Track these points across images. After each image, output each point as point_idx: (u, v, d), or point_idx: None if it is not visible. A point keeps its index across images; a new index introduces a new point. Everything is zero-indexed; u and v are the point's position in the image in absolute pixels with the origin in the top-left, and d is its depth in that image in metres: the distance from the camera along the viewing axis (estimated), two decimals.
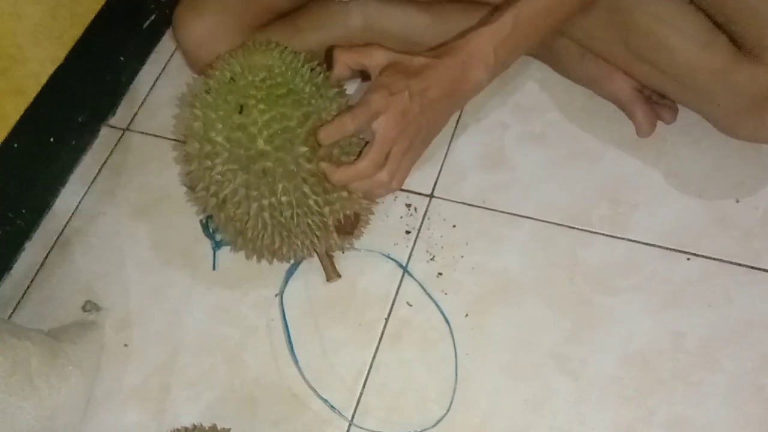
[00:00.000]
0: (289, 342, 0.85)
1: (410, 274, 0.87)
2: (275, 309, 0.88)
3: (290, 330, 0.86)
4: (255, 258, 0.87)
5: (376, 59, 0.79)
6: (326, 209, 0.80)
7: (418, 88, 0.77)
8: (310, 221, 0.80)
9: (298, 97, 0.77)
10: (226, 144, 0.77)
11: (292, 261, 0.89)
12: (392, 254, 0.89)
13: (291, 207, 0.78)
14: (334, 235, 0.82)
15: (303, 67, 0.79)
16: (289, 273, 0.89)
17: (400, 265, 0.88)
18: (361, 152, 0.79)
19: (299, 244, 0.82)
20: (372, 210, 0.87)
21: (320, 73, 0.80)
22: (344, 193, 0.80)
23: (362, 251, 0.90)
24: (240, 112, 0.76)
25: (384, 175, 0.78)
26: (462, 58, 0.79)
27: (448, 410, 0.80)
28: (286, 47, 0.80)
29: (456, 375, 0.81)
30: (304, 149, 0.77)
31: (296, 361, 0.84)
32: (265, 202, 0.78)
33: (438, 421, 0.79)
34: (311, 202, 0.78)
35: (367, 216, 0.86)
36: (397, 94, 0.76)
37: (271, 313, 0.88)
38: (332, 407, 0.81)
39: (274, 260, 0.87)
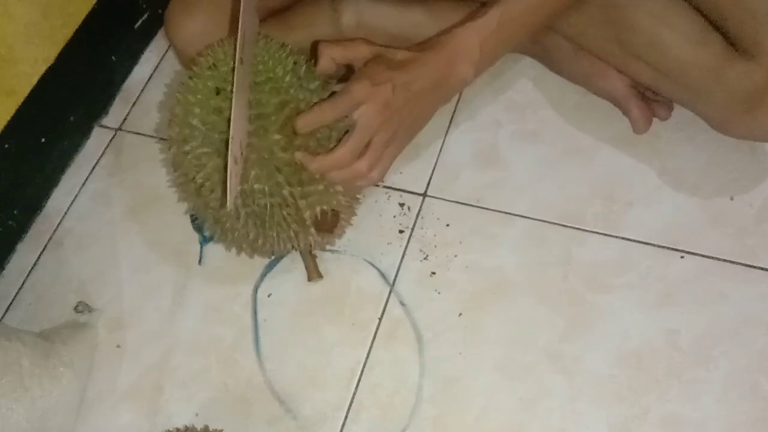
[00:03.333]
0: (256, 339, 0.86)
1: (395, 293, 0.87)
2: (269, 309, 0.88)
3: (261, 328, 0.86)
4: (236, 251, 0.87)
5: (361, 53, 0.79)
6: (302, 202, 0.79)
7: (402, 80, 0.77)
8: (285, 213, 0.79)
9: (277, 86, 0.77)
10: (202, 127, 0.77)
11: (272, 257, 0.89)
12: (384, 256, 0.89)
13: (264, 196, 0.78)
14: (312, 231, 0.81)
15: (287, 58, 0.79)
16: (268, 269, 0.89)
17: (387, 282, 0.88)
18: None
19: (275, 236, 0.81)
20: (354, 210, 0.86)
21: (303, 66, 0.80)
22: (320, 187, 0.79)
23: (354, 253, 0.89)
24: (217, 94, 0.76)
25: (363, 165, 0.77)
26: (447, 53, 0.78)
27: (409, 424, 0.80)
28: (273, 39, 0.80)
29: (420, 395, 0.81)
30: (278, 137, 0.76)
31: (259, 356, 0.84)
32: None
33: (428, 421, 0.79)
34: (285, 193, 0.78)
35: (349, 215, 0.85)
36: (380, 85, 0.76)
37: (264, 312, 0.88)
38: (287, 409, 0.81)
39: (265, 259, 0.86)
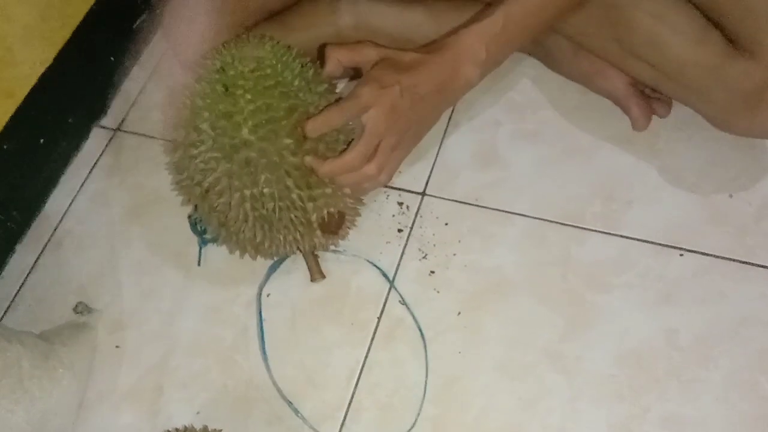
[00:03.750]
0: (262, 340, 0.85)
1: (395, 289, 0.87)
2: (268, 309, 0.88)
3: (264, 328, 0.86)
4: (238, 253, 0.87)
5: (367, 55, 0.79)
6: (309, 205, 0.79)
7: (409, 83, 0.77)
8: (292, 216, 0.79)
9: (286, 90, 0.77)
10: (211, 132, 0.77)
11: (275, 258, 0.89)
12: (383, 255, 0.89)
13: (273, 199, 0.78)
14: (318, 233, 0.82)
15: (294, 61, 0.79)
16: (272, 269, 0.89)
17: (387, 279, 0.88)
18: (348, 146, 0.78)
19: (281, 239, 0.81)
20: (358, 211, 0.86)
21: (311, 69, 0.80)
22: (328, 190, 0.79)
23: (354, 253, 0.89)
24: (226, 90, 0.76)
25: (372, 168, 0.78)
26: (452, 55, 0.79)
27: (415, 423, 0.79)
28: (279, 42, 0.80)
29: (425, 392, 0.81)
30: (288, 141, 0.77)
31: (267, 363, 0.84)
32: (247, 192, 0.78)
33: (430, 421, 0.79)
34: (294, 196, 0.78)
35: (354, 216, 0.86)
36: (388, 88, 0.76)
37: (264, 313, 0.88)
38: (302, 417, 0.81)
39: (266, 260, 0.86)
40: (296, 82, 0.78)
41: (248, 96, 0.76)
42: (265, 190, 0.77)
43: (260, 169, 0.77)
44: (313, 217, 0.80)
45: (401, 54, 0.79)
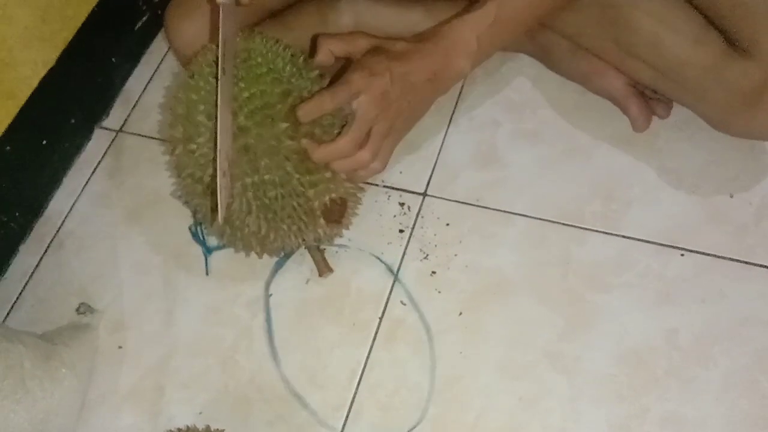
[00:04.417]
0: (270, 338, 0.86)
1: (400, 282, 0.87)
2: (269, 309, 0.88)
3: (273, 326, 0.87)
4: (244, 252, 0.87)
5: (359, 45, 0.79)
6: (311, 192, 0.79)
7: (400, 71, 0.77)
8: (295, 204, 0.79)
9: (278, 76, 0.78)
10: (208, 123, 0.78)
11: (281, 253, 0.89)
12: (385, 256, 0.89)
13: (274, 186, 0.78)
14: (322, 221, 0.81)
15: (284, 51, 0.80)
16: (278, 266, 0.89)
17: (391, 271, 0.88)
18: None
19: (285, 229, 0.81)
20: (359, 198, 0.86)
21: (301, 57, 0.80)
22: (327, 174, 0.79)
23: (355, 251, 0.90)
24: (216, 78, 0.76)
25: (365, 154, 0.78)
26: (444, 45, 0.79)
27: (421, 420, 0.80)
28: (268, 35, 0.81)
29: (432, 385, 0.81)
30: (284, 125, 0.77)
31: (275, 357, 0.85)
32: (248, 180, 0.78)
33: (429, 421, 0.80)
34: (295, 182, 0.78)
35: (356, 204, 0.85)
36: (378, 75, 0.76)
37: (265, 313, 0.88)
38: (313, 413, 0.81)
39: (267, 259, 0.86)
40: (288, 69, 0.78)
41: (242, 84, 0.77)
42: (266, 177, 0.77)
43: (259, 154, 0.77)
44: (316, 205, 0.80)
45: (392, 43, 0.79)
